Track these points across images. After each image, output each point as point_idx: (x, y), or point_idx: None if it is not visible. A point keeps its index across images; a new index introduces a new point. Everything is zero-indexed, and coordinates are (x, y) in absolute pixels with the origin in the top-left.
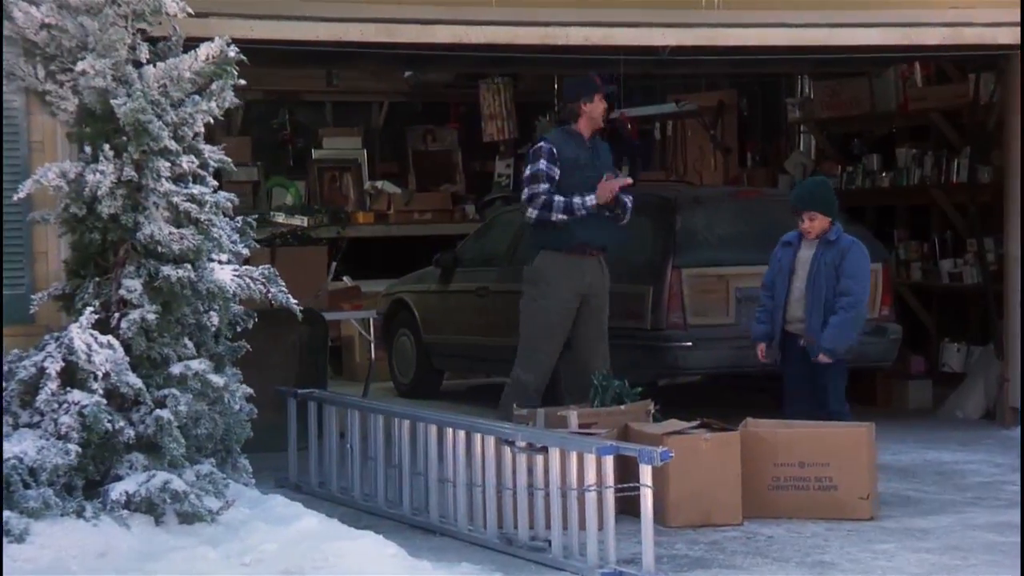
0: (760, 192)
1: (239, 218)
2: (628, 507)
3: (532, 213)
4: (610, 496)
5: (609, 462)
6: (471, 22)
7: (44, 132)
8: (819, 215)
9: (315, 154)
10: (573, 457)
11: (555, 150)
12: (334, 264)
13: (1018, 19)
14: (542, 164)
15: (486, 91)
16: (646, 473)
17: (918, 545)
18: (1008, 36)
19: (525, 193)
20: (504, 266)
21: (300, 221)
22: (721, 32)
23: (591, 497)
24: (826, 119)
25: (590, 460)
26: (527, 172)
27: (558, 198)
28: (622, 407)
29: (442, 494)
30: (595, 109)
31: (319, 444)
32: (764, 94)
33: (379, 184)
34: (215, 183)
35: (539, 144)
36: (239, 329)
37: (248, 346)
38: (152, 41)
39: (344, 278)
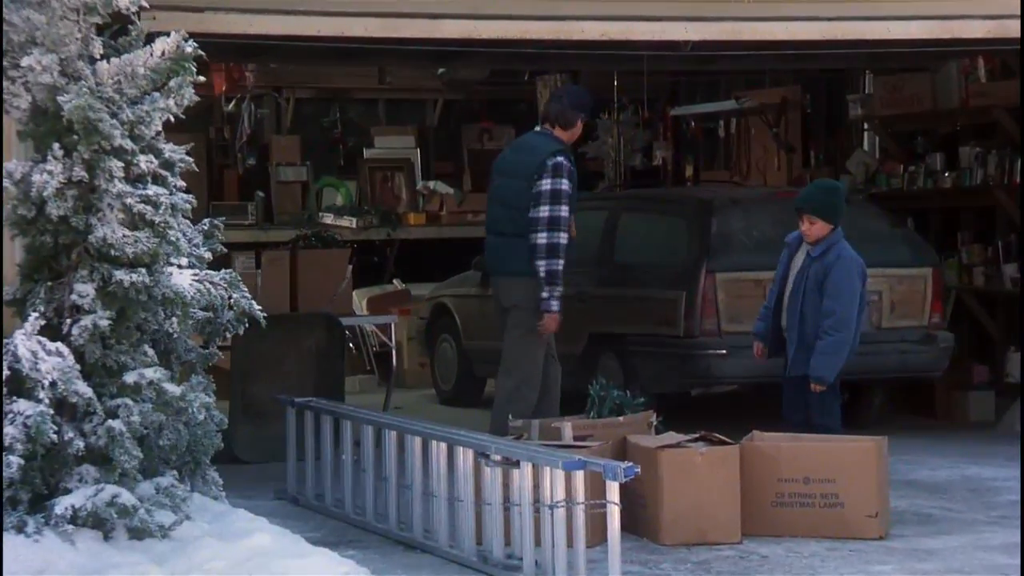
0: None
1: (206, 220)
2: (628, 524)
3: (549, 238)
4: (580, 512)
5: (579, 477)
6: (481, 16)
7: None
8: (819, 220)
9: (366, 153)
10: (544, 471)
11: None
12: (350, 267)
13: None
14: (566, 185)
15: (543, 88)
16: (612, 489)
17: (917, 567)
18: None
19: (546, 212)
20: None
21: (349, 223)
22: (747, 26)
23: (562, 513)
24: (887, 116)
25: (559, 475)
26: (550, 186)
27: (563, 240)
28: (620, 419)
29: (426, 508)
30: (579, 130)
31: (315, 455)
32: (829, 90)
33: (431, 184)
34: (182, 184)
35: (560, 159)
36: (240, 332)
37: (220, 354)
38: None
39: (394, 281)
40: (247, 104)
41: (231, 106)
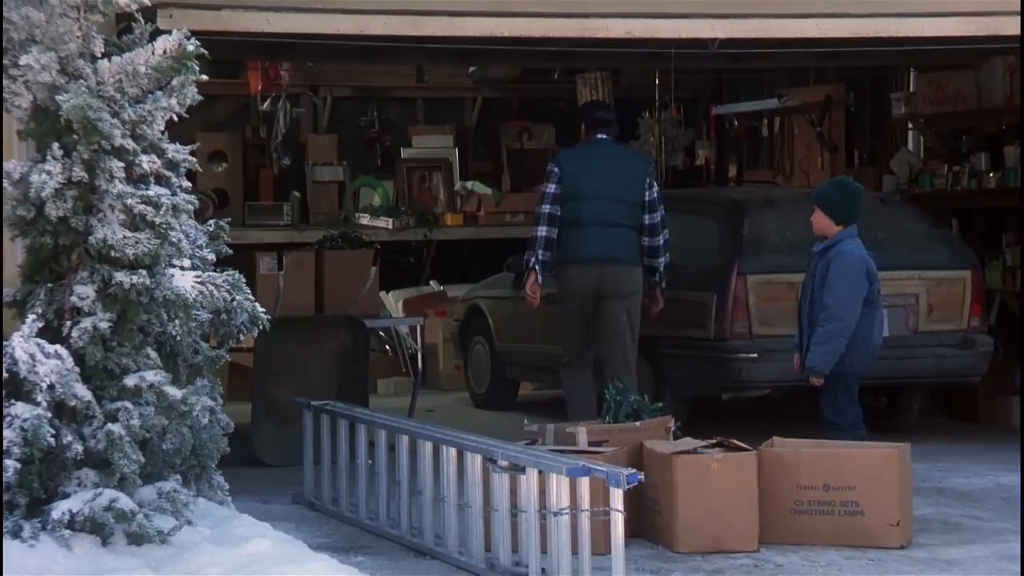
0: None
1: (212, 221)
2: (642, 530)
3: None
4: (585, 519)
5: (584, 484)
6: (503, 14)
7: (3, 130)
8: (820, 212)
9: (404, 153)
10: (550, 478)
11: None
12: (374, 269)
13: None
14: None
15: (583, 86)
16: (616, 497)
17: None
18: None
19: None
20: None
21: (385, 223)
22: (775, 23)
23: (566, 520)
24: (931, 115)
25: (564, 481)
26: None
27: None
28: (637, 423)
29: (436, 514)
30: None
31: (331, 458)
32: (873, 88)
33: (469, 184)
34: (187, 184)
35: None
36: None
37: (227, 356)
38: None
39: (431, 282)
40: (282, 103)
41: (266, 105)
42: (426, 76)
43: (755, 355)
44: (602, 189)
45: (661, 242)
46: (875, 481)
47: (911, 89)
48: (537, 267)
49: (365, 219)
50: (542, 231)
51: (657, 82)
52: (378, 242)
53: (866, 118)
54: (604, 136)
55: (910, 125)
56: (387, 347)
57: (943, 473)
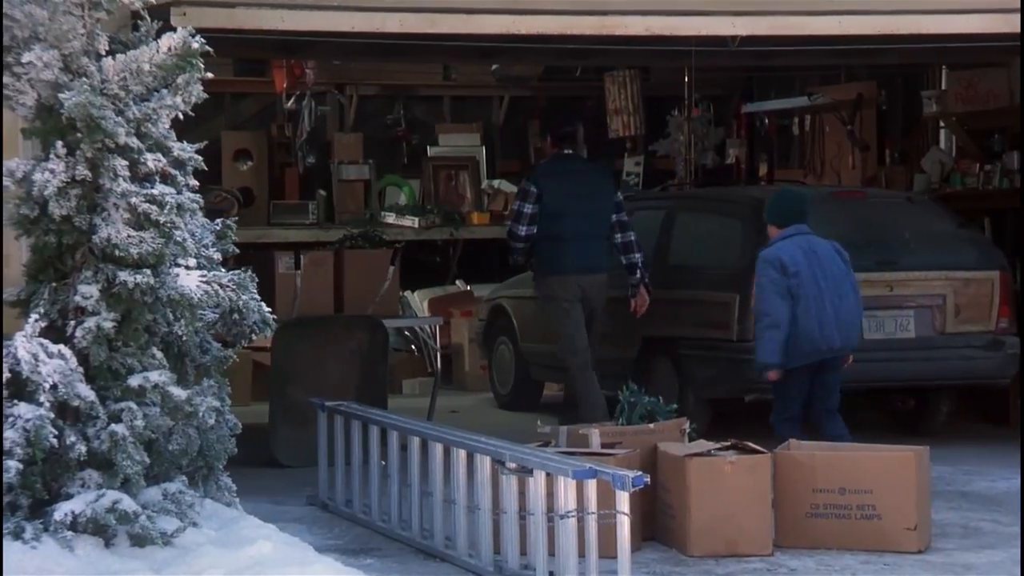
0: (863, 193)
1: (219, 220)
2: (656, 533)
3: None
4: (592, 522)
5: (591, 486)
6: (520, 11)
7: (8, 128)
8: (769, 226)
9: (431, 151)
10: (557, 480)
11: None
12: (392, 268)
13: None
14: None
15: (611, 84)
16: (622, 499)
17: None
18: None
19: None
20: None
21: (411, 222)
22: (797, 21)
23: (572, 523)
24: (963, 113)
25: (571, 484)
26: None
27: None
28: (651, 425)
29: (447, 516)
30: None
31: (345, 459)
32: (906, 86)
33: (496, 183)
34: (194, 183)
35: None
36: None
37: (236, 357)
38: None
39: (457, 282)
40: (307, 101)
41: (291, 103)
42: (453, 74)
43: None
44: (581, 205)
45: (632, 238)
46: (892, 484)
47: (943, 87)
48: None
49: (391, 218)
50: (521, 245)
51: (687, 80)
52: (404, 241)
53: (898, 116)
54: (571, 151)
55: (941, 123)
56: (412, 347)
57: (968, 477)
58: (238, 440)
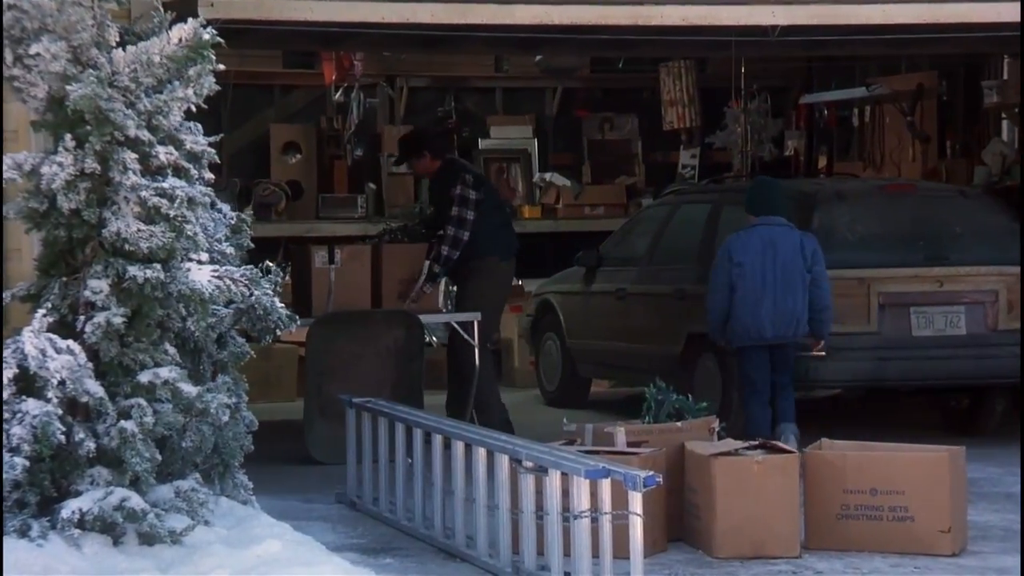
0: (913, 186)
1: (234, 215)
2: (683, 534)
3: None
4: (606, 522)
5: (605, 486)
6: (554, 1)
7: (18, 121)
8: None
9: (482, 144)
10: (572, 480)
11: None
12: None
13: None
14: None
15: (666, 75)
16: (634, 500)
17: None
18: None
19: None
20: (644, 266)
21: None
22: (839, 9)
23: (586, 523)
24: None
25: (585, 484)
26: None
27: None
28: (679, 424)
29: (468, 515)
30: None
31: (372, 457)
32: (967, 76)
33: (548, 176)
34: (209, 176)
35: None
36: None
37: (252, 352)
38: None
39: None
40: (355, 93)
41: (339, 95)
42: (505, 66)
43: (823, 353)
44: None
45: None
46: (925, 485)
47: (1004, 77)
48: None
49: None
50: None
51: (739, 71)
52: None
53: (959, 107)
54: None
55: (1003, 114)
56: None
57: (1016, 478)
58: (277, 436)
